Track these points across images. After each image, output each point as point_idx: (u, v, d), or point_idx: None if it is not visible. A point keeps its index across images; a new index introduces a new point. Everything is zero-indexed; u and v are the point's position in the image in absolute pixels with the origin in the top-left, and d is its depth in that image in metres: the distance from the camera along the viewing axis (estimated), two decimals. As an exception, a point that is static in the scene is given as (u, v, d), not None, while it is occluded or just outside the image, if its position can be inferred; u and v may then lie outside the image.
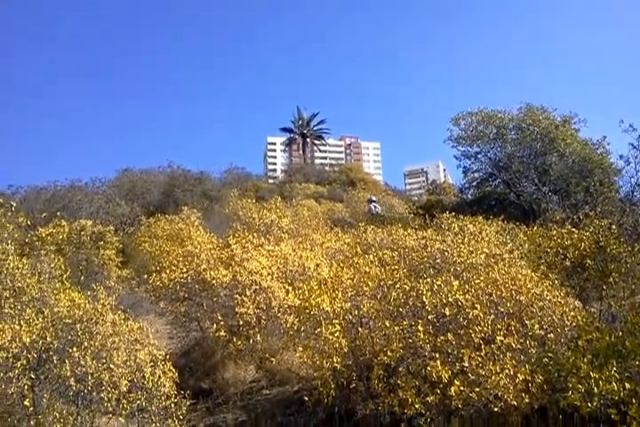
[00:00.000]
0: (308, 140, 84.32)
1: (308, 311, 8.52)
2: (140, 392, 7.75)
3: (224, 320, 10.18)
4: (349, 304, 8.45)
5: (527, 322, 7.46)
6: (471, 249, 10.11)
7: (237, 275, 10.72)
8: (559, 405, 6.33)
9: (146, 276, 12.30)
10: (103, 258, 16.79)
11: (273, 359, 10.26)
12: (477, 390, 6.60)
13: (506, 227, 14.68)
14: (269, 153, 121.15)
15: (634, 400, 5.88)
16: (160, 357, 8.42)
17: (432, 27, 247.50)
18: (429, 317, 7.54)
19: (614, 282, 10.02)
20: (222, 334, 10.05)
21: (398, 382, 7.15)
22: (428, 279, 8.32)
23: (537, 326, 7.40)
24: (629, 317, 7.36)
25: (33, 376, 7.21)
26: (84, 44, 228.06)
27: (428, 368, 6.91)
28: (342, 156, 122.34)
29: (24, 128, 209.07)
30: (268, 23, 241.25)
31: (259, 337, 10.01)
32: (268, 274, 10.85)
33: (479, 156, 25.78)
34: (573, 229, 11.95)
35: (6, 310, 8.46)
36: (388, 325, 7.73)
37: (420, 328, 7.30)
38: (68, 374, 7.22)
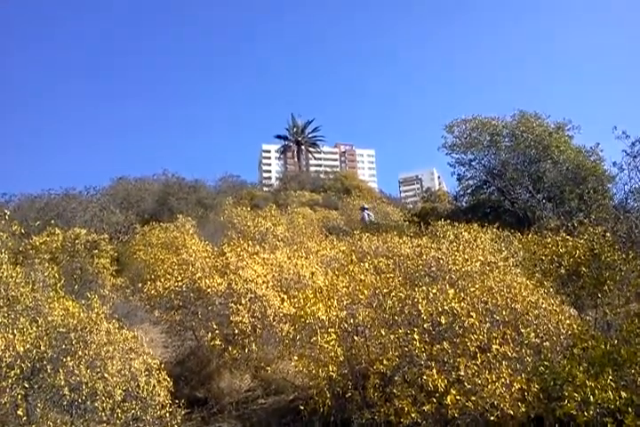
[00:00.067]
0: (303, 147, 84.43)
1: (303, 320, 8.48)
2: (134, 402, 7.70)
3: (219, 329, 10.14)
4: (345, 313, 8.42)
5: (523, 330, 7.45)
6: (466, 257, 10.10)
7: (232, 283, 10.68)
8: (555, 413, 6.31)
9: (140, 284, 12.24)
10: (97, 266, 16.67)
11: (268, 368, 10.22)
12: (473, 398, 6.59)
13: (501, 234, 14.68)
14: (264, 161, 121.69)
15: (630, 409, 5.86)
16: (155, 366, 8.38)
17: (432, 27, 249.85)
18: (425, 325, 7.53)
19: (609, 290, 10.05)
20: (217, 342, 10.00)
21: (394, 391, 7.13)
22: (424, 287, 8.31)
23: (532, 334, 7.40)
24: (625, 325, 7.35)
25: (27, 386, 7.14)
26: (84, 44, 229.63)
27: (424, 377, 6.89)
28: (337, 163, 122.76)
29: (24, 128, 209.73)
30: (268, 23, 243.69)
31: (254, 346, 9.98)
32: (264, 282, 10.82)
33: (473, 163, 25.83)
34: (568, 237, 11.98)
35: (0, 319, 8.41)
36: (383, 333, 7.72)
37: (416, 337, 7.29)
38: (62, 383, 7.17)
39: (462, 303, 7.66)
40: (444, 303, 7.64)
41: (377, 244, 13.80)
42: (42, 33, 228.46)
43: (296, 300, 9.38)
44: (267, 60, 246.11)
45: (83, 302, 9.10)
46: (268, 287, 10.75)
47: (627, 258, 10.37)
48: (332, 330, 8.08)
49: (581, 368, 6.40)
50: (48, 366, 7.35)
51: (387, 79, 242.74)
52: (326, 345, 7.83)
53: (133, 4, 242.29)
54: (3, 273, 9.40)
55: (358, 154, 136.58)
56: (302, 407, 8.12)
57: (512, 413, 6.54)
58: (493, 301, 7.86)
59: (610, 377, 6.12)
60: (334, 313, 8.36)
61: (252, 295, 10.47)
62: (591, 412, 5.94)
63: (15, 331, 7.61)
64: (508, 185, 23.55)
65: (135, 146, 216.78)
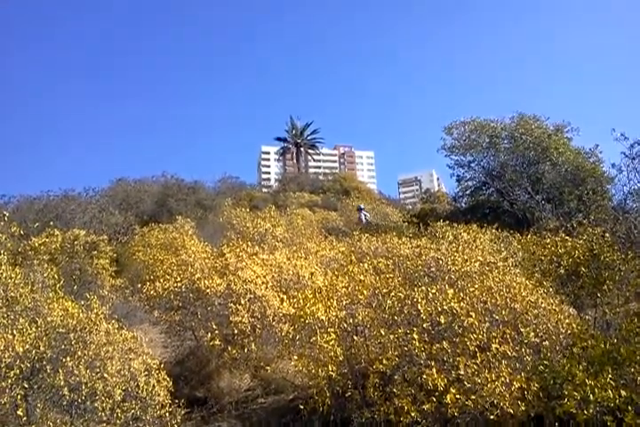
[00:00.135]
0: (302, 149, 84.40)
1: (302, 320, 8.49)
2: (134, 401, 7.71)
3: (218, 329, 10.15)
4: (344, 313, 8.43)
5: (522, 330, 7.46)
6: (465, 257, 10.11)
7: (232, 284, 10.70)
8: (555, 412, 6.31)
9: (140, 285, 12.23)
10: (97, 267, 16.68)
11: (268, 368, 10.23)
12: (473, 397, 6.59)
13: (500, 235, 14.71)
14: (263, 162, 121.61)
15: (629, 407, 5.87)
16: (154, 366, 8.38)
17: (432, 27, 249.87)
18: (424, 325, 7.54)
19: (608, 289, 10.07)
20: (217, 342, 10.01)
21: (394, 390, 7.14)
22: (423, 287, 8.32)
23: (532, 333, 7.40)
24: (624, 324, 7.36)
25: (26, 386, 7.14)
26: (84, 44, 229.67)
27: (424, 376, 6.89)
28: (336, 165, 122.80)
29: (24, 128, 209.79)
30: (268, 23, 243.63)
31: (253, 346, 9.99)
32: (263, 283, 10.84)
33: (472, 164, 25.94)
34: (567, 238, 12.01)
35: (-1, 320, 8.41)
36: (383, 333, 7.73)
37: (416, 336, 7.29)
38: (62, 383, 7.17)
39: (462, 303, 7.66)
40: (444, 303, 7.65)
41: (376, 244, 13.81)
42: (42, 33, 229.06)
43: (295, 300, 9.39)
44: (267, 60, 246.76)
45: (82, 302, 9.08)
46: (267, 288, 10.76)
47: (626, 258, 10.40)
48: (332, 330, 8.08)
49: (581, 367, 6.41)
50: (48, 367, 7.36)
51: (387, 79, 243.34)
52: (326, 345, 7.84)
53: (133, 3, 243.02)
54: (2, 274, 9.37)
55: (357, 156, 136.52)
56: (302, 407, 8.13)
57: (512, 411, 6.54)
58: (493, 300, 7.87)
59: (609, 376, 6.13)
60: (334, 313, 8.37)
61: (252, 296, 10.49)
62: (591, 410, 5.95)
63: (15, 331, 7.60)
64: (507, 186, 23.60)
65: (135, 146, 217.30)
